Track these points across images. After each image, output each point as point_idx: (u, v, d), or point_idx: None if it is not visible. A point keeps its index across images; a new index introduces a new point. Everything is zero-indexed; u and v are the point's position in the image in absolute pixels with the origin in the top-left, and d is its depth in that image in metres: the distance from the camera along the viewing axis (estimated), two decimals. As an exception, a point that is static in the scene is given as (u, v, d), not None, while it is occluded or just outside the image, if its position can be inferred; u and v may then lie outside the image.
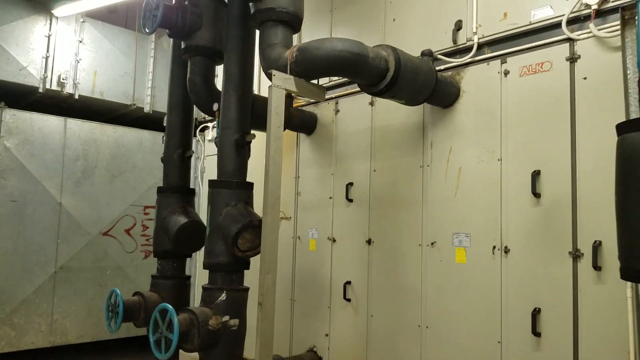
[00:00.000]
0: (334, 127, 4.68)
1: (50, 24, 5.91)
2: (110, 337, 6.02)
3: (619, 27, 2.96)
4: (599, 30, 3.05)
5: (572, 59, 3.19)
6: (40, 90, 5.82)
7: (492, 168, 3.48)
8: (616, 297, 2.81)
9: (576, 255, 3.03)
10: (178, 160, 4.33)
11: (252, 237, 3.41)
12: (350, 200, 4.40)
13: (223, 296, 3.35)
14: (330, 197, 4.60)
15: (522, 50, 3.44)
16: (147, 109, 6.62)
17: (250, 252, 3.44)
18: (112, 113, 6.76)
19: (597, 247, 2.92)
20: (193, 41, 4.03)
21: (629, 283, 2.70)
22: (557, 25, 3.25)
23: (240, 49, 3.72)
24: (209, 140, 6.16)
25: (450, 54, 3.82)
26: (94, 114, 6.51)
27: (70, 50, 6.06)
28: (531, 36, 3.42)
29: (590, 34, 3.11)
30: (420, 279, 3.81)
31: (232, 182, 3.55)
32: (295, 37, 3.73)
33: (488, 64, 3.61)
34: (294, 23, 3.54)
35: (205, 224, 3.64)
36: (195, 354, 3.37)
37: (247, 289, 3.54)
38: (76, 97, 6.07)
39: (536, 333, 3.14)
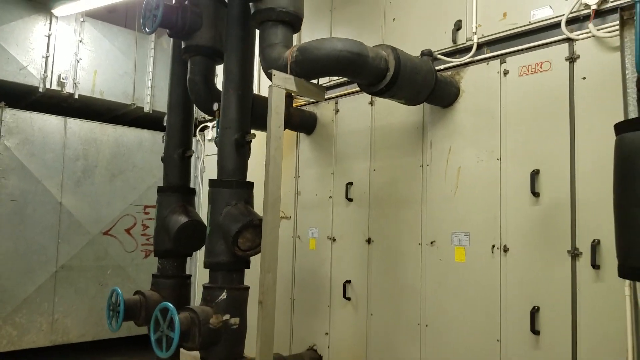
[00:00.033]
0: (333, 126, 4.69)
1: (50, 23, 5.91)
2: (111, 336, 6.04)
3: (618, 27, 2.97)
4: (598, 30, 3.06)
5: (572, 59, 3.20)
6: (40, 89, 5.83)
7: (491, 167, 3.50)
8: (614, 296, 2.83)
9: (575, 254, 3.05)
10: (178, 159, 4.33)
11: (253, 237, 3.42)
12: (350, 200, 4.41)
13: (224, 295, 3.36)
14: (330, 197, 4.61)
15: (522, 50, 3.45)
16: (147, 108, 6.63)
17: (251, 251, 3.45)
18: (112, 113, 6.77)
19: (595, 245, 2.94)
20: (193, 41, 4.03)
21: (627, 281, 2.72)
22: (557, 25, 3.26)
23: (240, 49, 3.73)
24: (209, 140, 6.16)
25: (450, 54, 3.83)
26: (94, 113, 6.51)
27: (70, 50, 6.07)
28: (530, 36, 3.43)
29: (589, 34, 3.12)
30: (420, 278, 3.82)
31: (233, 181, 3.56)
32: (295, 37, 3.73)
33: (487, 64, 3.62)
34: (294, 23, 3.54)
35: (206, 223, 3.65)
36: (196, 353, 3.38)
37: (247, 288, 3.55)
38: (76, 96, 6.08)
39: (535, 331, 3.16)
